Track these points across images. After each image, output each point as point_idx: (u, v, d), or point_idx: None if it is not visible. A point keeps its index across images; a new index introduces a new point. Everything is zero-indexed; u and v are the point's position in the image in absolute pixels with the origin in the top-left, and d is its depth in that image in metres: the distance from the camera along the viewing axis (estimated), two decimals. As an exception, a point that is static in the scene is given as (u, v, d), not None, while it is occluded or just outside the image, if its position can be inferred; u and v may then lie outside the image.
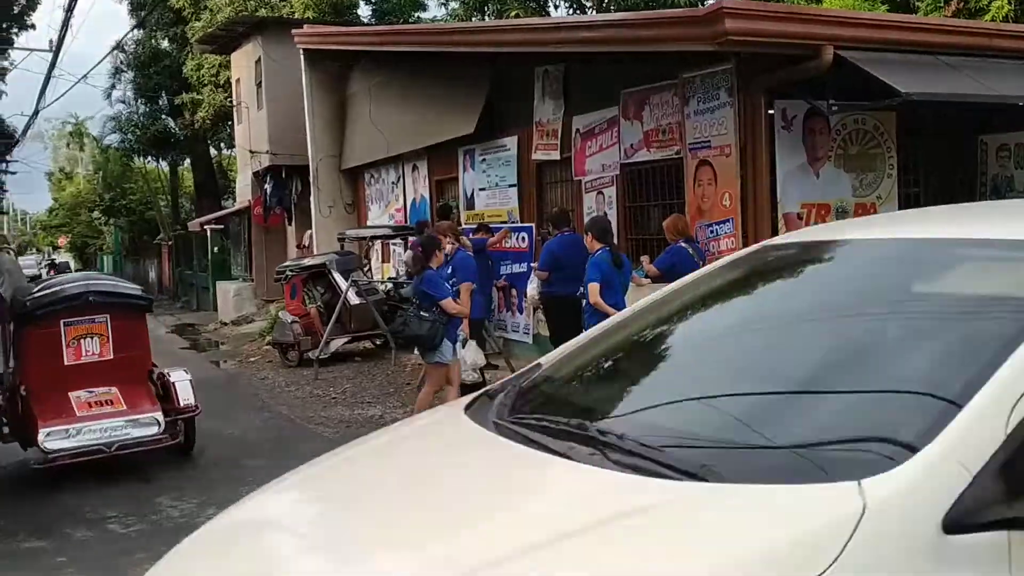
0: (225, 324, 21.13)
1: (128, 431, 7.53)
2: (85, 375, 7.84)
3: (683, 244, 8.25)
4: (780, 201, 8.60)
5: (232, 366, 14.73)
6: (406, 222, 15.52)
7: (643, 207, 9.98)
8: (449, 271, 8.73)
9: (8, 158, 43.17)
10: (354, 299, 13.24)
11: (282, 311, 13.97)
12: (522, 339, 12.02)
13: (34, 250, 71.63)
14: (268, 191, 20.09)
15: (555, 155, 11.27)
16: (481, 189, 13.05)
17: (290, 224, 20.86)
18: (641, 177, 9.94)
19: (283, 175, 19.65)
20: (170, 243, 35.07)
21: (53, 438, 7.25)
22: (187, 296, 31.34)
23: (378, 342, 14.09)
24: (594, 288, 6.96)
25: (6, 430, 7.76)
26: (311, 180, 17.81)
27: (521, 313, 11.97)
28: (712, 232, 8.92)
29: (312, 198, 17.86)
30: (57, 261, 55.11)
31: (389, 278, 15.06)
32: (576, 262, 9.38)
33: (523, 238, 12.05)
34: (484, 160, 12.90)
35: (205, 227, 25.80)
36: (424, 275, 8.18)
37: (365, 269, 14.31)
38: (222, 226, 25.70)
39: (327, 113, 17.53)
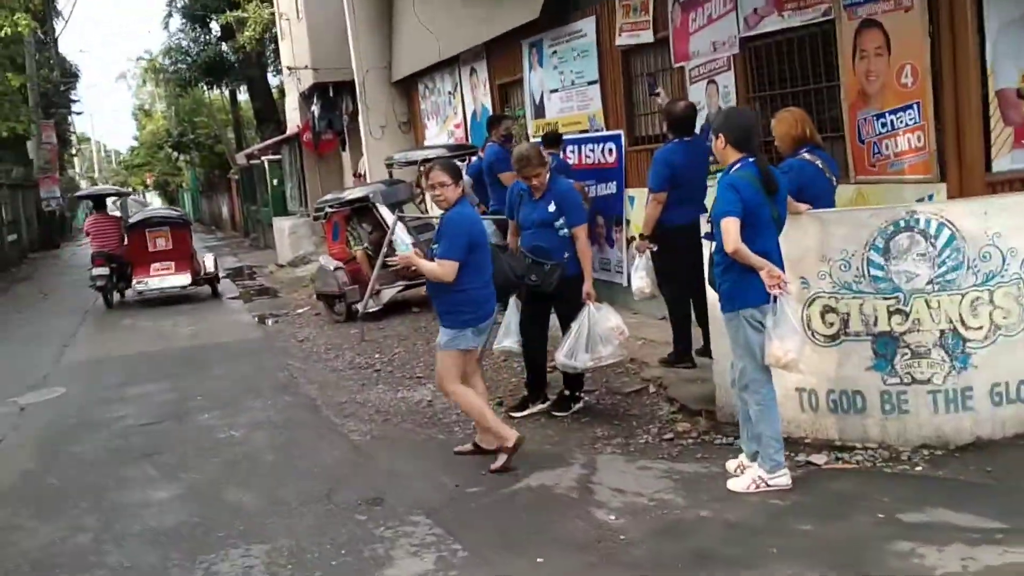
0: (281, 266, 19.04)
1: (174, 283, 15.07)
2: (157, 257, 15.24)
3: (805, 155, 5.49)
4: (991, 72, 5.77)
5: (274, 323, 12.53)
6: (467, 139, 12.94)
7: (774, 97, 7.20)
8: (552, 209, 6.16)
9: (72, 96, 42.37)
10: (406, 238, 10.80)
11: (324, 255, 11.64)
12: (614, 279, 9.47)
13: (131, 189, 72.62)
14: (316, 113, 17.72)
15: (646, 36, 8.51)
16: (553, 91, 10.35)
17: (344, 150, 18.50)
18: (770, 55, 7.14)
19: (330, 94, 17.21)
20: (237, 177, 33.21)
21: (140, 285, 14.96)
22: (255, 233, 29.50)
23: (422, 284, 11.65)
24: (731, 226, 4.26)
25: (122, 283, 15.34)
26: (358, 97, 15.32)
27: (612, 246, 9.37)
28: (884, 126, 6.15)
29: (361, 118, 15.40)
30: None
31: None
32: (698, 177, 6.77)
33: (609, 150, 9.37)
34: (555, 53, 10.17)
35: (261, 158, 23.64)
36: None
37: (418, 201, 11.83)
38: (279, 156, 23.50)
39: (371, 16, 14.95)
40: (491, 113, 12.01)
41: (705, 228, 4.51)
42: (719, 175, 5.40)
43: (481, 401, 5.53)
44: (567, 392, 6.38)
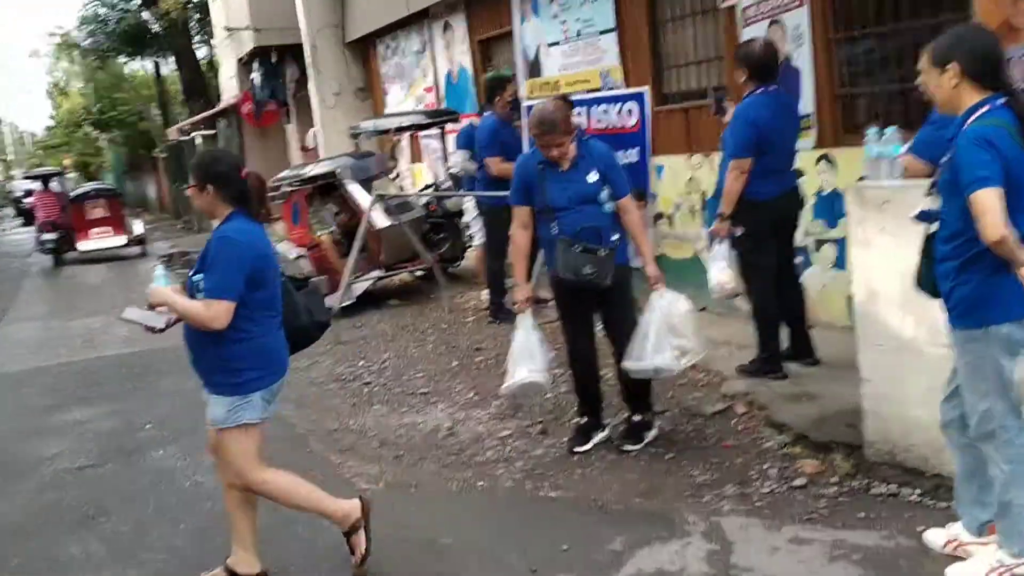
0: (223, 252, 17.23)
1: (111, 243, 18.82)
2: (95, 223, 19.01)
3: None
4: None
5: (224, 320, 10.87)
6: (439, 104, 11.37)
7: (867, 38, 5.82)
8: (594, 179, 4.66)
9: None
10: (381, 220, 9.24)
11: (282, 242, 10.02)
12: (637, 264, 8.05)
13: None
14: (256, 82, 15.91)
15: (684, -30, 7.08)
16: (552, 44, 8.84)
17: (289, 122, 16.73)
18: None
19: (273, 59, 15.42)
20: (164, 156, 30.95)
21: (83, 245, 18.71)
22: (188, 215, 27.41)
23: (418, 272, 10.15)
24: (993, 201, 2.64)
25: (66, 246, 18.67)
26: (308, 61, 13.60)
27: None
28: (1038, 66, 4.78)
29: (311, 84, 13.68)
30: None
31: (427, 185, 10.98)
32: (788, 138, 5.39)
33: (629, 111, 7.91)
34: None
35: (193, 134, 21.66)
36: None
37: (394, 176, 10.24)
38: (212, 131, 21.53)
39: (320, -34, 13.23)
40: (471, 75, 10.45)
41: (926, 202, 3.04)
42: (888, 131, 4.02)
43: (304, 482, 3.94)
44: (635, 417, 4.95)
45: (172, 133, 23.84)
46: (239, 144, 18.75)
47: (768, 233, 5.28)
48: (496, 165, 7.58)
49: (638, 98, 7.74)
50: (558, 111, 4.61)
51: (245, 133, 18.03)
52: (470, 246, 10.14)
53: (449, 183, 9.85)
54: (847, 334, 6.04)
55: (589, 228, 4.63)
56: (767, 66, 5.26)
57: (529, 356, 4.80)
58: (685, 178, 7.34)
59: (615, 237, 4.69)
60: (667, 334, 4.63)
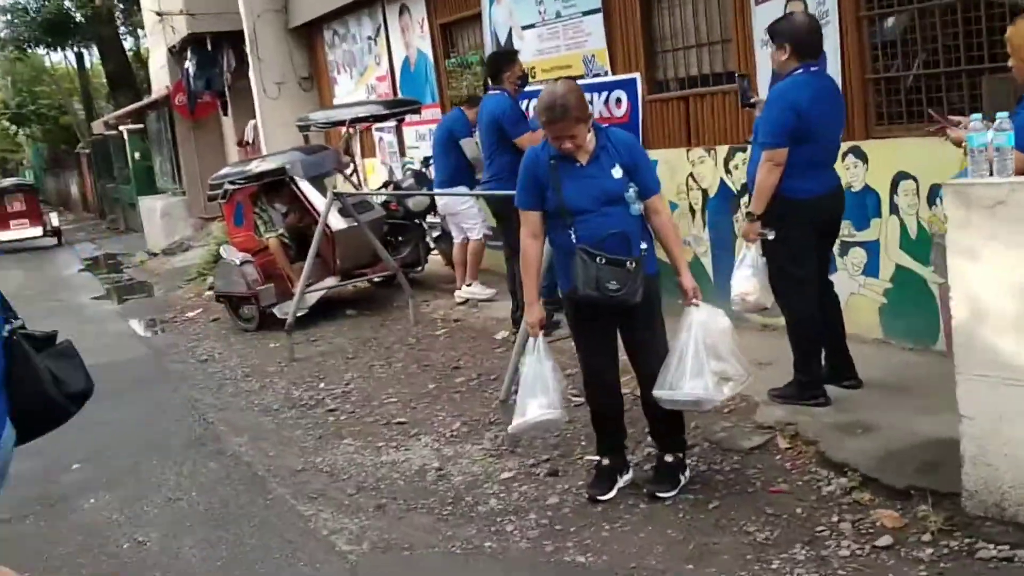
0: (154, 255, 16.09)
1: (28, 234, 22.44)
2: (13, 216, 22.51)
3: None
4: None
5: (161, 332, 9.86)
6: (395, 94, 10.49)
7: (904, 15, 5.14)
8: (620, 175, 3.86)
9: None
10: (338, 222, 8.35)
11: (225, 245, 9.05)
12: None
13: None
14: (191, 71, 14.80)
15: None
16: (527, 27, 8.04)
17: (226, 114, 15.66)
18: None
19: (209, 47, 14.34)
20: (88, 151, 29.40)
21: (2, 237, 22.37)
22: (113, 214, 26.03)
23: (376, 279, 9.28)
24: None
25: None
26: (248, 48, 12.59)
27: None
28: None
29: (252, 74, 12.69)
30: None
31: (385, 183, 10.09)
32: (832, 124, 4.67)
33: (617, 101, 7.17)
34: (532, -24, 7.87)
35: (120, 128, 20.36)
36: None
37: (349, 172, 9.34)
38: (140, 126, 20.26)
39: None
40: (433, 61, 9.60)
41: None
42: (973, 118, 3.32)
43: None
44: (667, 458, 4.18)
45: (97, 127, 22.48)
46: (171, 139, 17.58)
47: (809, 238, 4.55)
48: (531, 141, 6.54)
49: (628, 86, 7.02)
50: (570, 93, 3.80)
51: (177, 127, 16.86)
52: (433, 249, 9.31)
53: (411, 180, 8.99)
54: (881, 348, 5.41)
55: (615, 234, 3.84)
56: (812, 41, 4.53)
57: (542, 388, 4.01)
58: (684, 174, 6.60)
59: (644, 245, 3.91)
60: (706, 357, 3.88)
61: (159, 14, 13.48)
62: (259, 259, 8.83)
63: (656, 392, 3.93)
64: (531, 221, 4.01)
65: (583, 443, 4.75)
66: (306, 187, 8.57)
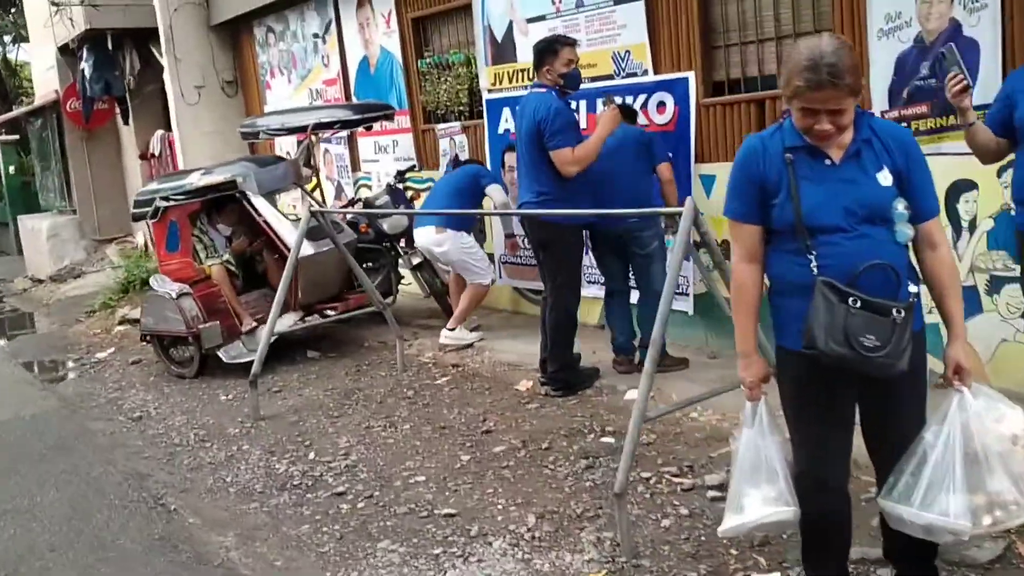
0: (39, 281, 14.07)
1: None
2: None
3: None
4: None
5: (70, 377, 8.15)
6: (347, 98, 9.10)
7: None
8: (889, 182, 2.61)
9: None
10: (305, 246, 6.90)
11: (155, 276, 7.44)
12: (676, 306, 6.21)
13: None
14: (87, 73, 12.95)
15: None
16: (535, 19, 6.83)
17: (127, 123, 13.85)
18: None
19: (109, 46, 12.55)
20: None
21: None
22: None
23: (329, 314, 7.79)
24: None
25: None
26: (163, 47, 10.98)
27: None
28: None
29: (168, 75, 11.05)
30: None
31: (352, 200, 8.63)
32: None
33: (659, 106, 6.01)
34: (547, -43, 6.66)
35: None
36: None
37: (312, 186, 7.88)
38: (15, 136, 18.05)
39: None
40: (401, 63, 8.26)
41: None
42: None
43: None
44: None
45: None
46: (59, 150, 15.55)
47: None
48: (578, 158, 5.27)
49: (677, 87, 5.87)
50: (842, 49, 2.55)
51: (67, 137, 14.87)
52: (403, 277, 7.96)
53: (385, 197, 7.61)
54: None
55: (877, 267, 2.62)
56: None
57: (768, 476, 2.77)
58: (755, 193, 5.47)
59: (914, 288, 2.72)
60: (970, 469, 2.69)
61: (55, 4, 11.65)
62: (199, 291, 7.28)
63: (886, 502, 2.74)
64: (746, 238, 2.77)
65: (733, 551, 3.52)
66: (261, 204, 7.10)
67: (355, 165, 9.31)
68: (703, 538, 3.68)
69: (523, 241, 6.70)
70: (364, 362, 7.01)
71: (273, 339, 7.07)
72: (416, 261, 7.40)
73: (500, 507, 4.21)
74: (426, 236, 6.72)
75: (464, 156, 7.71)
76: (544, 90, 5.41)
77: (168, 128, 12.95)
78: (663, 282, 5.49)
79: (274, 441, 5.52)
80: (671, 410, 3.96)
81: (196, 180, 7.22)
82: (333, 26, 9.14)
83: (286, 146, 10.25)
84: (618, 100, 5.80)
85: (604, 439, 4.85)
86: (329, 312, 7.31)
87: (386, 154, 8.75)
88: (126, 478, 5.22)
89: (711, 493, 4.04)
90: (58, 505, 4.90)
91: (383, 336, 7.58)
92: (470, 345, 6.80)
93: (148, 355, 8.11)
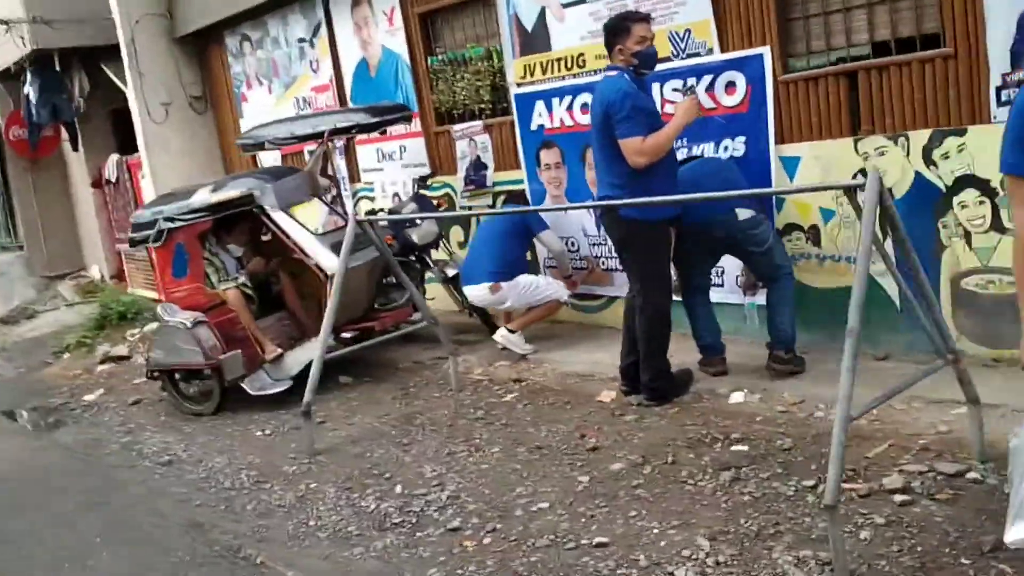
0: (-9, 324, 13.07)
1: None
2: None
3: None
4: None
5: (66, 424, 7.39)
6: (342, 105, 8.53)
7: None
8: None
9: None
10: (328, 260, 6.35)
11: (163, 305, 6.75)
12: (727, 298, 5.84)
13: None
14: (33, 98, 12.07)
15: None
16: (570, 4, 6.39)
17: (76, 149, 12.97)
18: None
19: (57, 66, 11.71)
20: None
21: None
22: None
23: (345, 337, 7.19)
24: None
25: None
26: (125, 62, 10.25)
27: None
28: None
29: (131, 93, 10.32)
30: None
31: (372, 211, 8.01)
32: None
33: (728, 86, 5.62)
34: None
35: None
36: None
37: (331, 197, 7.30)
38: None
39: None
40: (408, 62, 7.73)
41: None
42: None
43: None
44: None
45: None
46: (2, 182, 14.54)
47: None
48: (648, 148, 4.77)
49: (751, 65, 5.49)
50: None
51: (10, 167, 13.88)
52: (425, 291, 7.43)
53: (412, 205, 7.07)
54: None
55: None
56: None
57: None
58: (848, 171, 5.11)
59: None
60: None
61: (4, 23, 10.77)
62: (213, 317, 6.65)
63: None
64: None
65: (964, 560, 3.11)
66: (282, 219, 6.50)
67: (353, 176, 8.72)
68: (919, 548, 3.25)
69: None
70: (408, 384, 6.45)
71: (299, 368, 6.54)
72: (451, 273, 6.89)
73: (656, 531, 3.73)
74: (482, 297, 6.37)
75: (486, 157, 7.23)
76: (616, 72, 4.95)
77: (123, 152, 12.18)
78: (790, 272, 5.15)
79: (345, 476, 4.94)
80: (873, 406, 3.55)
81: (206, 197, 6.57)
82: (323, 29, 8.56)
83: (268, 160, 9.64)
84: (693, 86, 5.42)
85: (735, 447, 4.40)
86: (365, 332, 6.74)
87: (392, 161, 8.20)
88: (186, 530, 4.59)
89: (898, 498, 3.63)
90: (117, 567, 4.26)
91: (415, 355, 7.06)
92: (523, 357, 6.31)
93: (147, 394, 7.45)
